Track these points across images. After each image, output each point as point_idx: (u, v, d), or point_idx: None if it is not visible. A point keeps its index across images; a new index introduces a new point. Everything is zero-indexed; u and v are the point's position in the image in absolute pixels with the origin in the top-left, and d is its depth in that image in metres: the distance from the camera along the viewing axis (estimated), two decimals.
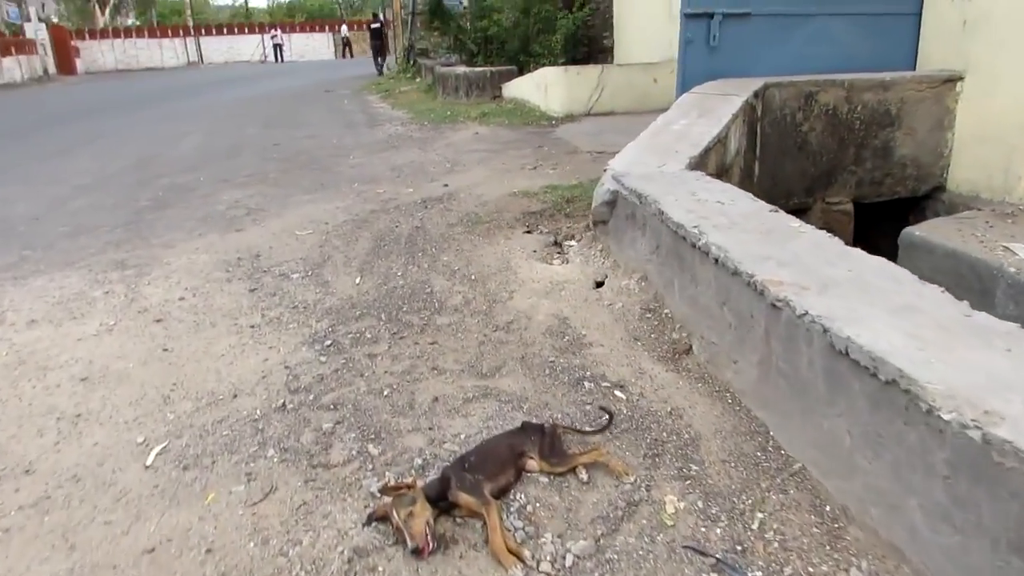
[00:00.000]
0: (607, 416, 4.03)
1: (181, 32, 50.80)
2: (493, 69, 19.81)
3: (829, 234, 4.61)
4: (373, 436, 4.11)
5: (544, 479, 3.68)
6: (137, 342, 5.43)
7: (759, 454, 3.79)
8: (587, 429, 4.05)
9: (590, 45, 22.38)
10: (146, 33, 48.82)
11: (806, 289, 3.68)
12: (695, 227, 4.83)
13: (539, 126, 15.17)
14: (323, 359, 5.05)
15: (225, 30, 55.05)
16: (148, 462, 3.92)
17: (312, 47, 54.72)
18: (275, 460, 3.93)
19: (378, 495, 3.55)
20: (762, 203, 5.45)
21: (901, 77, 9.04)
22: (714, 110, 7.91)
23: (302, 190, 10.23)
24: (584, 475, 3.69)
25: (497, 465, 3.60)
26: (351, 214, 8.71)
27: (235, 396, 4.62)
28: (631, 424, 4.14)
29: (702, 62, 9.37)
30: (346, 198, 9.63)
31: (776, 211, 5.16)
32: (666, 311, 5.28)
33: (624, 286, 5.79)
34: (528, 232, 7.69)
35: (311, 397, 4.57)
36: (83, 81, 36.91)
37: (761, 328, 3.92)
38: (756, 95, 8.49)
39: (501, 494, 3.57)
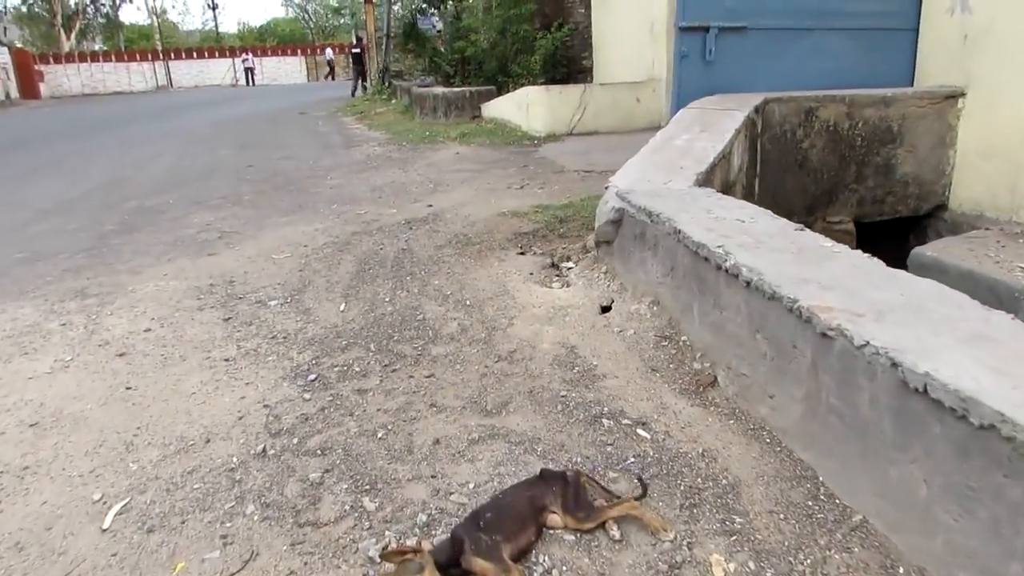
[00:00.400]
0: (641, 488, 3.53)
1: (150, 56, 49.96)
2: (472, 89, 19.48)
3: (866, 254, 4.20)
4: (368, 487, 3.59)
5: (570, 536, 3.18)
6: (97, 380, 4.86)
7: (810, 503, 3.34)
8: (616, 493, 3.54)
9: (569, 65, 22.17)
10: (113, 57, 47.90)
11: (860, 316, 3.25)
12: (719, 247, 4.41)
13: (521, 146, 14.81)
14: (307, 396, 4.52)
15: (195, 54, 54.24)
16: (105, 524, 3.36)
17: (284, 71, 54.15)
18: (255, 518, 3.39)
19: (378, 561, 3.03)
20: (784, 221, 5.06)
21: (903, 93, 8.81)
22: (716, 124, 7.57)
23: (279, 212, 9.70)
24: (615, 531, 3.20)
25: (516, 522, 3.11)
26: (331, 236, 8.20)
27: (208, 441, 4.08)
28: (660, 468, 3.67)
29: (697, 77, 9.04)
30: (325, 220, 9.13)
31: (802, 229, 4.77)
32: (684, 338, 4.84)
33: (634, 311, 5.35)
34: (522, 254, 7.25)
35: (295, 441, 4.04)
36: (47, 105, 35.98)
37: (807, 360, 3.48)
38: (756, 110, 8.15)
39: (521, 556, 3.07)
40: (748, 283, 4.06)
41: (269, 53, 55.51)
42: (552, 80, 19.54)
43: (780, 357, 3.81)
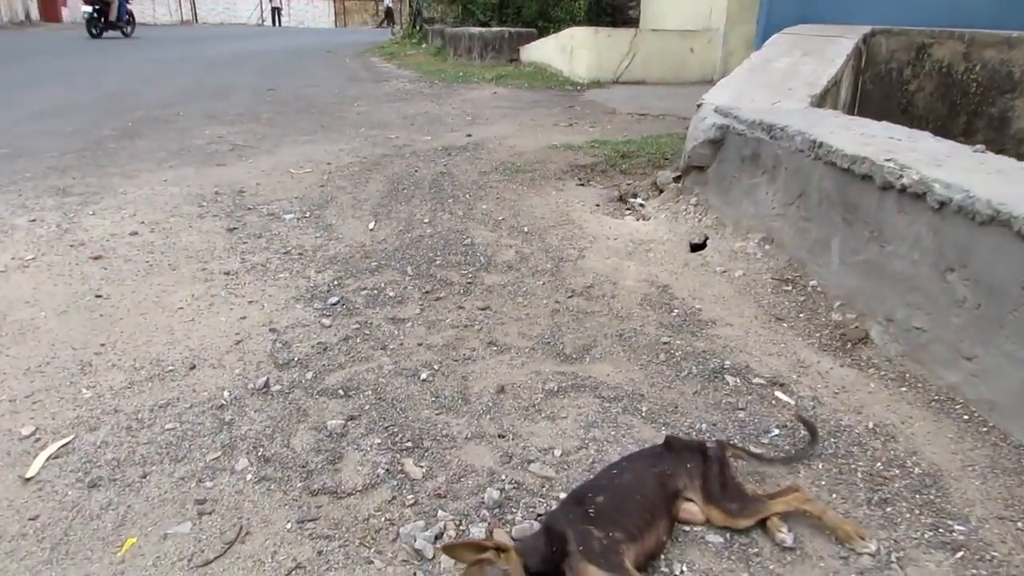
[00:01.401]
0: (808, 433, 2.47)
1: None
2: (511, 30, 18.15)
3: None
4: (410, 444, 2.53)
5: (716, 537, 2.12)
6: (60, 284, 3.80)
7: None
8: (772, 455, 2.48)
9: (614, 14, 20.82)
10: None
11: None
12: (888, 160, 3.26)
13: (564, 90, 13.56)
14: (326, 322, 3.46)
15: None
16: (31, 471, 2.31)
17: (312, 14, 52.49)
18: (248, 478, 2.34)
19: (432, 557, 1.97)
20: (953, 142, 3.90)
21: None
22: (821, 51, 6.35)
23: (299, 131, 8.57)
24: (785, 534, 2.13)
25: (641, 514, 2.04)
26: (358, 156, 7.08)
27: (192, 368, 3.02)
28: (820, 447, 2.58)
29: (791, 3, 7.75)
30: (352, 141, 8.00)
31: (984, 151, 3.60)
32: (813, 283, 3.73)
33: (738, 249, 4.22)
34: (582, 185, 6.12)
35: (308, 376, 2.98)
36: (67, 28, 34.66)
37: None
38: (864, 40, 6.90)
39: (648, 564, 2.00)
40: (942, 204, 2.94)
41: None
42: None
43: (992, 305, 2.69)
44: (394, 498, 2.27)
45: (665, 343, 3.33)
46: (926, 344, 3.08)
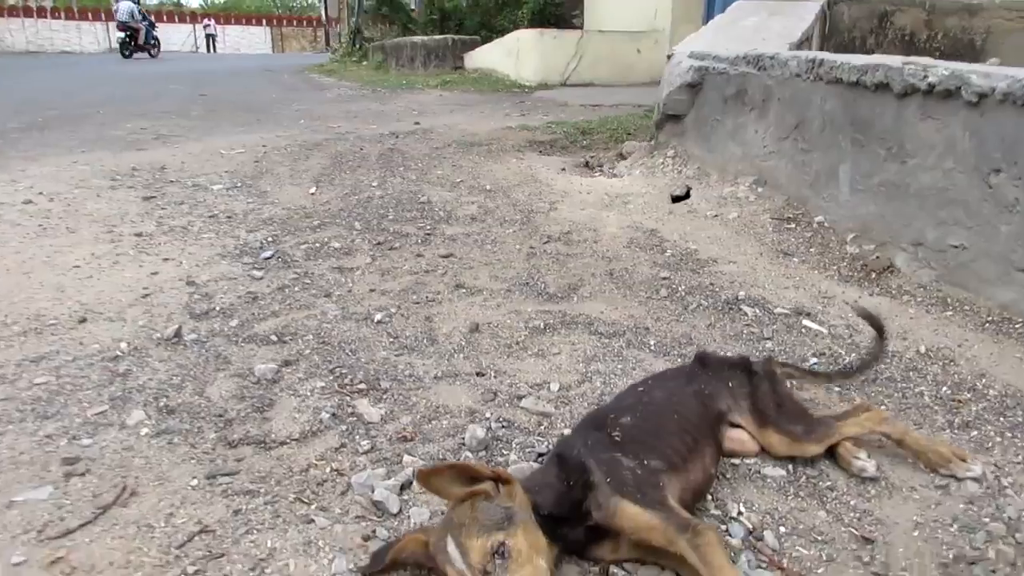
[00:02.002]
0: (875, 330, 1.98)
1: (103, 16, 46.89)
2: (454, 37, 17.74)
3: None
4: (363, 386, 1.95)
5: (774, 470, 1.60)
6: None
7: None
8: (829, 370, 1.98)
9: (558, 24, 20.60)
10: (63, 14, 44.73)
11: None
12: (907, 63, 2.85)
13: (511, 92, 13.15)
14: (257, 274, 2.86)
15: (153, 17, 51.42)
16: None
17: (248, 40, 51.20)
18: (143, 432, 1.73)
19: (398, 512, 1.39)
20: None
21: (990, 2, 7.36)
22: (787, 12, 6.03)
23: (233, 124, 7.93)
24: (863, 460, 1.61)
25: (682, 437, 1.51)
26: (297, 140, 6.49)
27: (83, 321, 2.39)
28: (871, 373, 2.09)
29: None
30: (290, 129, 7.40)
31: (998, 63, 3.23)
32: (819, 219, 3.29)
33: (728, 195, 3.77)
34: (544, 155, 5.61)
35: (234, 323, 2.38)
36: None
37: None
38: (827, 6, 6.63)
39: (695, 502, 1.45)
40: (981, 97, 2.53)
41: (233, 21, 52.68)
42: None
43: None
44: (343, 445, 1.69)
45: (664, 279, 2.83)
46: (968, 263, 2.64)
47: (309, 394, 1.93)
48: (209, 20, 49.46)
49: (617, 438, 1.49)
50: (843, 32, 7.14)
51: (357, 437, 1.72)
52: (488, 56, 17.33)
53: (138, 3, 24.83)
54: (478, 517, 1.22)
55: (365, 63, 26.08)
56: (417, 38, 18.57)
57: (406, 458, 1.63)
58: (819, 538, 1.47)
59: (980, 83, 2.54)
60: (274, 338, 2.29)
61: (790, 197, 3.59)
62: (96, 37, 45.31)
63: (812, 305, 2.62)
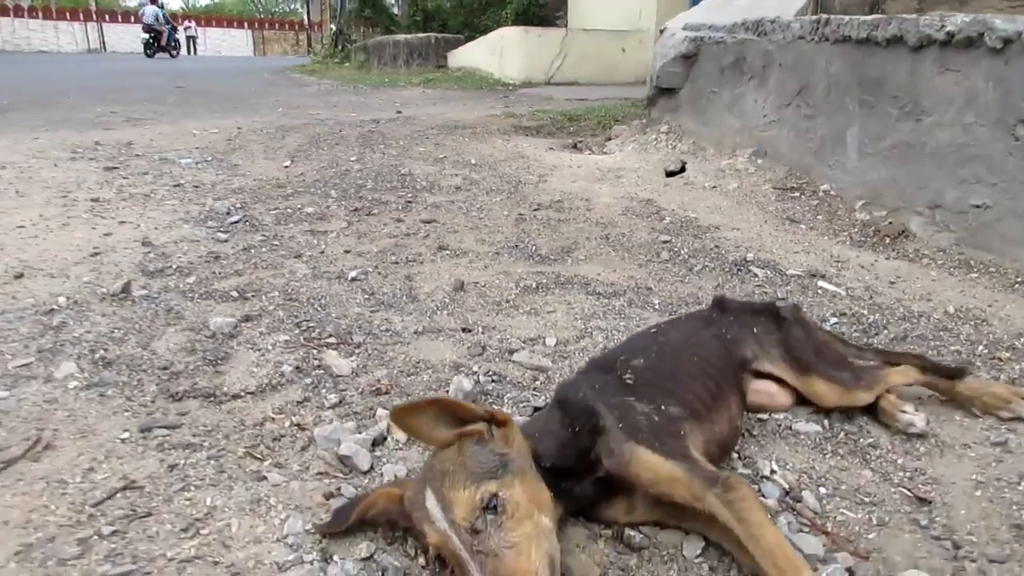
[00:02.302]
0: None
1: (81, 16, 46.18)
2: (438, 36, 17.52)
3: None
4: (333, 339, 1.71)
5: (807, 425, 1.39)
6: None
7: None
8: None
9: (542, 23, 20.47)
10: (40, 14, 44.01)
11: None
12: (924, 16, 2.67)
13: (494, 90, 12.94)
14: (222, 236, 2.63)
15: (133, 18, 50.63)
16: None
17: (230, 43, 50.54)
18: (72, 385, 1.48)
19: (369, 469, 1.15)
20: None
21: None
22: None
23: (208, 111, 7.65)
24: (910, 414, 1.39)
25: (704, 382, 1.29)
26: (275, 124, 6.26)
27: (19, 277, 2.13)
28: (896, 331, 1.89)
29: None
30: (267, 116, 7.16)
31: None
32: (824, 187, 3.10)
33: (725, 167, 3.57)
34: (530, 137, 5.40)
35: (191, 280, 2.14)
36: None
37: None
38: None
39: (721, 456, 1.22)
40: (1006, 43, 2.35)
41: (214, 24, 52.10)
42: None
43: None
44: (306, 399, 1.45)
45: (665, 242, 2.62)
46: (993, 223, 2.45)
47: (270, 348, 1.69)
48: (189, 22, 48.88)
49: (629, 381, 1.26)
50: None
51: (323, 391, 1.48)
52: (472, 54, 17.14)
53: (162, 7, 26.96)
54: (466, 464, 0.99)
55: (347, 64, 25.82)
56: (400, 36, 18.34)
57: (380, 411, 1.39)
58: (866, 499, 1.26)
59: (1005, 28, 2.36)
60: (235, 294, 2.04)
61: (792, 167, 3.39)
62: (74, 37, 44.66)
63: (826, 268, 2.42)
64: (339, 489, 1.15)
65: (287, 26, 52.04)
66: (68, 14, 44.39)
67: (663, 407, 1.22)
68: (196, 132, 5.58)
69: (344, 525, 1.04)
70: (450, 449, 1.02)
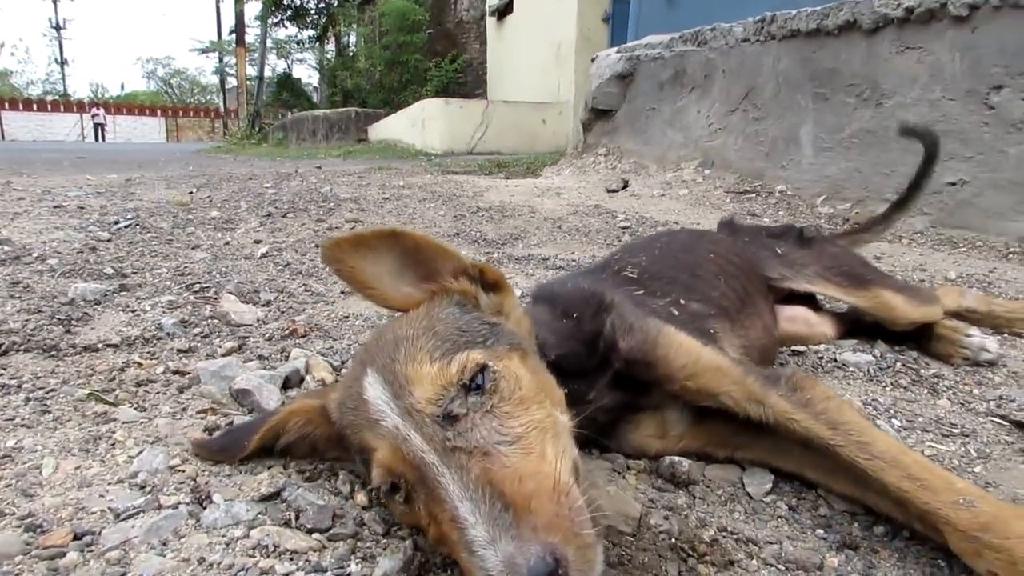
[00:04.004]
0: (927, 146, 1.55)
1: None
2: (358, 110, 17.47)
3: None
4: (233, 297, 1.31)
5: (855, 356, 1.08)
6: None
7: None
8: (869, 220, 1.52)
9: (463, 97, 20.84)
10: None
11: None
12: None
13: (417, 160, 12.83)
14: (104, 235, 2.24)
15: (36, 106, 49.04)
16: None
17: (141, 131, 49.36)
18: None
19: (307, 381, 0.77)
20: None
21: None
22: None
23: (110, 169, 7.11)
24: (978, 337, 1.11)
25: (729, 283, 0.95)
26: (181, 173, 5.81)
27: None
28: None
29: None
30: (175, 171, 6.69)
31: None
32: (780, 188, 2.94)
33: (671, 179, 3.39)
34: (460, 175, 5.17)
35: (51, 263, 1.72)
36: None
37: None
38: None
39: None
40: (973, 9, 2.23)
41: (125, 111, 50.94)
42: None
43: None
44: (191, 349, 1.05)
45: (625, 228, 2.35)
46: (971, 199, 2.27)
47: (148, 309, 1.28)
48: (98, 109, 47.75)
49: (631, 274, 0.93)
50: None
51: (217, 340, 1.08)
52: (393, 127, 17.11)
53: None
54: (435, 329, 0.63)
55: (265, 144, 25.49)
56: (319, 112, 18.24)
57: (295, 351, 1.00)
58: (954, 431, 0.93)
59: None
60: (110, 271, 1.62)
61: (743, 173, 3.21)
62: None
63: None
64: (231, 422, 0.75)
65: (202, 113, 51.29)
66: None
67: (682, 301, 0.89)
68: (91, 179, 5.12)
69: (240, 454, 0.65)
70: (409, 315, 0.66)
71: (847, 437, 0.69)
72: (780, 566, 0.64)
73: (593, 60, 4.48)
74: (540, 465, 0.54)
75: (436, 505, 0.51)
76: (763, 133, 3.13)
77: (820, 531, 0.71)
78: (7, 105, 45.23)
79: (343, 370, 0.95)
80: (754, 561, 0.65)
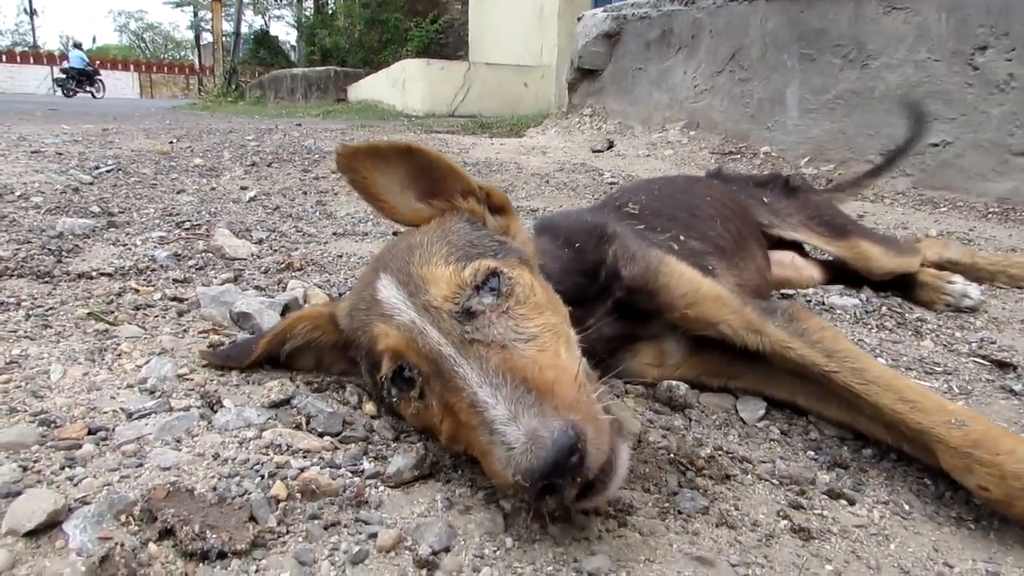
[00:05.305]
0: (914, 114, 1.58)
1: None
2: (337, 69, 17.13)
3: None
4: (226, 232, 1.30)
5: (842, 299, 1.11)
6: None
7: None
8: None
9: (444, 59, 20.55)
10: None
11: None
12: None
13: (398, 120, 12.69)
14: (86, 178, 2.22)
15: (4, 57, 47.66)
16: None
17: (114, 85, 48.24)
18: None
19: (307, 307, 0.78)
20: None
21: None
22: None
23: (84, 120, 6.94)
24: (960, 283, 1.16)
25: (724, 225, 0.96)
26: (161, 126, 5.71)
27: None
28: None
29: None
30: (153, 124, 6.57)
31: None
32: (765, 149, 2.96)
33: (656, 140, 3.39)
34: (445, 134, 5.12)
35: (36, 200, 1.70)
36: None
37: None
38: None
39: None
40: None
41: (98, 65, 49.62)
42: None
43: None
44: (187, 279, 1.05)
45: (612, 183, 2.35)
46: (953, 160, 2.31)
47: (139, 244, 1.28)
48: (68, 62, 46.45)
49: (632, 211, 0.94)
50: None
51: (212, 272, 1.08)
52: (373, 87, 16.82)
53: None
54: (449, 238, 0.64)
55: (242, 102, 25.00)
56: (297, 70, 17.88)
57: (292, 283, 1.01)
58: (937, 369, 0.97)
59: None
60: (96, 209, 1.60)
61: (728, 134, 3.22)
62: None
63: None
64: (235, 340, 0.76)
65: (176, 69, 50.01)
66: None
67: (682, 238, 0.90)
68: (67, 128, 5.01)
69: (248, 359, 0.66)
70: (421, 228, 0.67)
71: (842, 364, 0.71)
72: (774, 480, 0.67)
73: (579, 19, 4.44)
74: (557, 360, 0.55)
75: (453, 395, 0.52)
76: (749, 94, 3.14)
77: (811, 452, 0.74)
78: (3, 58, 43.83)
79: (329, 290, 0.95)
80: (749, 476, 0.67)
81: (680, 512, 0.58)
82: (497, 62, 16.16)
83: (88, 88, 26.78)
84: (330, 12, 21.21)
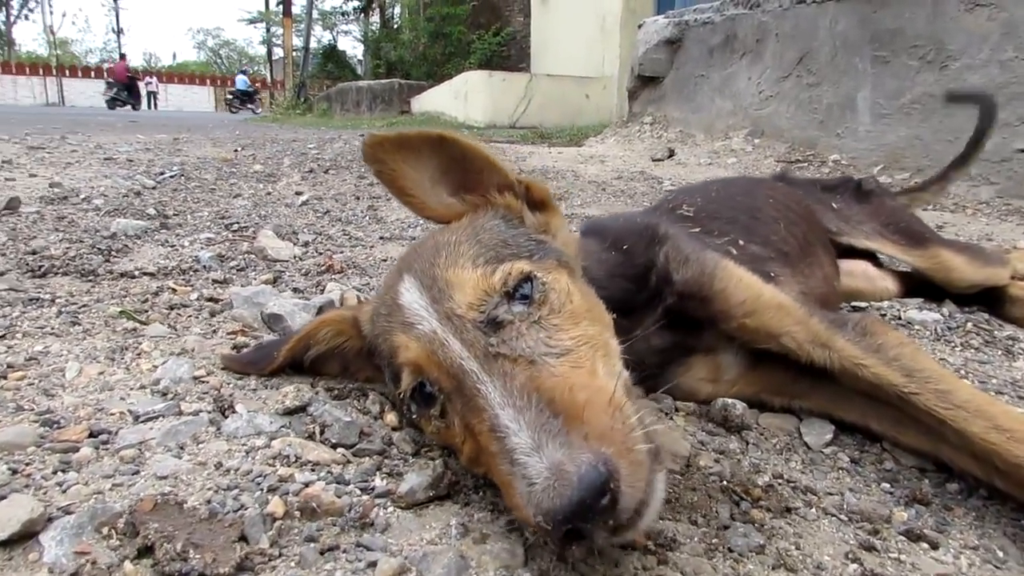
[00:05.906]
0: (983, 106, 1.48)
1: (42, 71, 45.59)
2: (401, 81, 17.42)
3: None
4: (271, 234, 1.28)
5: (921, 314, 1.02)
6: None
7: None
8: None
9: (506, 70, 20.67)
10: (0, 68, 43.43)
11: None
12: None
13: (461, 130, 12.78)
14: (149, 183, 2.27)
15: (93, 73, 50.16)
16: None
17: (191, 99, 50.13)
18: None
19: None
20: None
21: None
22: None
23: (160, 131, 7.20)
24: None
25: (789, 229, 0.87)
26: (229, 136, 5.83)
27: None
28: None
29: None
30: (222, 134, 6.73)
31: None
32: (834, 157, 2.82)
33: (719, 149, 3.29)
34: (504, 144, 5.11)
35: (97, 203, 1.73)
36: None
37: None
38: None
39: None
40: None
41: (176, 80, 51.81)
42: None
43: None
44: (226, 280, 1.03)
45: (671, 190, 2.26)
46: None
47: (187, 245, 1.28)
48: (151, 78, 48.59)
49: (687, 213, 0.87)
50: None
51: (252, 273, 1.06)
52: (436, 99, 17.00)
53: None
54: (480, 238, 0.59)
55: (310, 115, 25.67)
56: (363, 83, 18.23)
57: (330, 285, 0.98)
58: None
59: None
60: (152, 212, 1.62)
61: (794, 142, 3.10)
62: (32, 91, 43.95)
63: None
64: (260, 342, 0.73)
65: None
66: (28, 68, 43.75)
67: (741, 243, 0.83)
68: (142, 137, 5.16)
69: (270, 366, 0.63)
70: (451, 225, 0.63)
71: (924, 385, 0.63)
72: (842, 516, 0.59)
73: (640, 26, 4.36)
74: (592, 379, 0.49)
75: (474, 416, 0.47)
76: (817, 99, 3.01)
77: (886, 485, 0.66)
78: (67, 72, 46.30)
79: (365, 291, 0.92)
80: (813, 510, 0.60)
81: (731, 550, 0.51)
82: (559, 73, 16.15)
83: (249, 106, 29.33)
84: (395, 26, 21.61)
